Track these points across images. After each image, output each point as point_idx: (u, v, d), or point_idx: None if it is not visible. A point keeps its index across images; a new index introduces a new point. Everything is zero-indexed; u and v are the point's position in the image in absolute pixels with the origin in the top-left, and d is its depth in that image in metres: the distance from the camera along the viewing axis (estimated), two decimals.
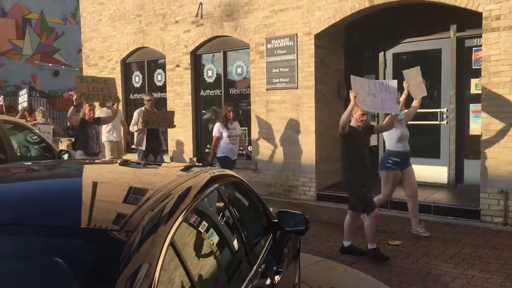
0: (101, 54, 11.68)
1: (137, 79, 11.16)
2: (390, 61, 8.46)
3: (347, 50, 8.88)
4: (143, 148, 8.42)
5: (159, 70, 10.68)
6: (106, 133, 9.27)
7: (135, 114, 8.52)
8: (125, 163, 3.48)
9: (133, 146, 8.62)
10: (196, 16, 9.56)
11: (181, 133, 9.91)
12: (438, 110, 7.93)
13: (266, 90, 8.66)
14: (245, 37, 8.90)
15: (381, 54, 8.53)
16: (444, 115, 7.86)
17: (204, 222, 2.38)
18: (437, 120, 7.93)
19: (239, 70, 9.35)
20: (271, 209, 3.59)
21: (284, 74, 8.39)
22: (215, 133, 7.68)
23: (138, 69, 11.18)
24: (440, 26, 7.75)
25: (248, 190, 3.29)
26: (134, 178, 2.77)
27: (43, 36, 22.64)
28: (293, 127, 8.35)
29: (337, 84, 8.69)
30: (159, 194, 2.09)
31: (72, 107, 7.89)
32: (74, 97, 7.61)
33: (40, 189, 2.41)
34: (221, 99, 9.52)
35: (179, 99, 10.03)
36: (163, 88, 10.52)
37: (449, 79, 7.78)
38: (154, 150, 8.60)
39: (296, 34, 8.20)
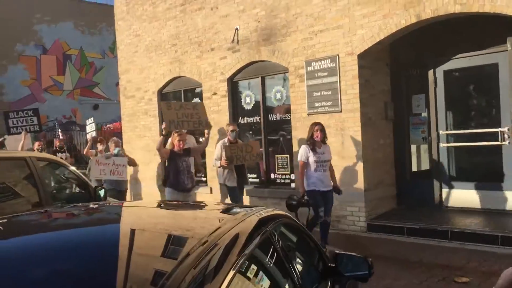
0: (138, 85, 11.58)
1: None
2: (441, 79, 7.89)
3: (393, 69, 8.37)
4: (234, 184, 7.56)
5: (196, 99, 10.43)
6: None
7: (218, 147, 7.62)
8: (164, 205, 3.10)
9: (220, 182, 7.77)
10: (232, 42, 9.30)
11: None
12: (497, 129, 7.26)
13: (308, 115, 8.21)
14: (284, 61, 8.54)
15: (430, 72, 7.97)
16: (506, 135, 7.17)
17: (254, 276, 1.95)
18: (498, 141, 7.25)
19: (278, 96, 8.97)
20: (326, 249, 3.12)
21: (327, 98, 7.94)
22: (300, 157, 6.66)
23: (175, 99, 10.97)
24: (496, 39, 7.16)
25: (301, 232, 2.83)
26: (174, 225, 2.39)
27: (82, 71, 23.10)
28: (338, 153, 7.83)
29: (384, 105, 8.15)
30: (203, 246, 1.76)
31: (161, 137, 7.14)
32: (163, 126, 7.04)
33: (65, 242, 2.05)
34: (261, 126, 9.14)
35: (218, 127, 9.70)
36: None
37: (508, 95, 7.14)
38: (242, 188, 7.89)
39: (338, 55, 7.77)
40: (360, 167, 7.64)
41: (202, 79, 9.98)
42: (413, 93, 8.37)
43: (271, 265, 2.27)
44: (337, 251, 2.91)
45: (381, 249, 6.76)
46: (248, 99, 9.43)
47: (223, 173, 7.58)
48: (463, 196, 7.68)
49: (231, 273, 1.65)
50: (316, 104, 8.08)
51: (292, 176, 8.68)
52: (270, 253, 2.30)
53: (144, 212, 2.78)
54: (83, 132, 18.95)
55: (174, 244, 1.99)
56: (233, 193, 7.62)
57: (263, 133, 9.12)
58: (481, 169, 7.83)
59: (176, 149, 6.94)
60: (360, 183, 7.69)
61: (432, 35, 7.63)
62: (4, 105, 20.07)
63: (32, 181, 4.56)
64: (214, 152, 7.72)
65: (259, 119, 9.19)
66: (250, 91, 9.40)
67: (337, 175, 7.82)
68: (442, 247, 6.55)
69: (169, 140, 7.36)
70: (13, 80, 20.69)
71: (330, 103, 7.90)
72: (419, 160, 8.71)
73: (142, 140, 11.34)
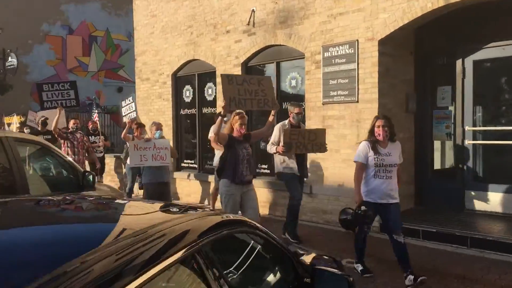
0: (153, 68, 11.22)
1: (187, 94, 10.55)
2: (470, 70, 7.21)
3: (418, 57, 7.72)
4: (295, 171, 6.62)
5: (210, 84, 10.00)
6: None
7: (276, 129, 6.69)
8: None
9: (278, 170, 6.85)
10: (248, 24, 8.80)
11: None
12: None
13: (323, 104, 7.67)
14: (300, 46, 8.00)
15: (458, 62, 7.30)
16: None
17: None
18: None
19: (293, 83, 8.44)
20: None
21: (343, 86, 7.38)
22: (357, 156, 5.18)
23: (189, 84, 10.57)
24: None
25: (272, 245, 2.36)
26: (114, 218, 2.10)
27: (108, 53, 22.98)
28: (352, 146, 7.27)
29: (405, 96, 7.54)
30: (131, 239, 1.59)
31: (219, 118, 5.61)
32: (222, 104, 5.65)
33: None
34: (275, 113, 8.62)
35: (230, 115, 9.24)
36: (213, 103, 9.81)
37: None
38: (302, 180, 6.90)
39: (357, 40, 7.18)
40: None
41: (216, 63, 9.53)
42: (438, 84, 7.72)
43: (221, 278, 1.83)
44: (316, 267, 2.43)
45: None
46: None
47: (282, 161, 6.70)
48: (488, 199, 7.05)
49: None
50: (331, 93, 7.53)
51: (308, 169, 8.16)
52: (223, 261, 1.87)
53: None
54: (106, 115, 18.87)
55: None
56: (291, 183, 6.74)
57: (276, 122, 8.59)
58: (509, 170, 7.14)
59: (236, 134, 5.75)
60: None
61: (462, 21, 6.96)
62: (28, 85, 20.15)
63: (6, 164, 4.21)
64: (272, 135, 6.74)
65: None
66: None
67: (351, 170, 7.27)
68: (460, 254, 5.96)
69: (226, 124, 6.13)
70: (38, 60, 20.71)
71: (346, 92, 7.34)
72: (442, 157, 8.08)
73: None
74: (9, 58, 19.10)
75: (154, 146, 6.90)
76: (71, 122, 9.19)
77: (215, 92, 9.69)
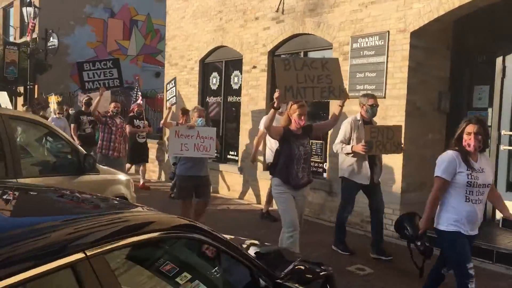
0: (182, 53, 11.03)
1: (214, 81, 10.29)
2: (511, 69, 6.59)
3: (455, 53, 7.13)
4: (366, 181, 5.71)
5: (236, 72, 9.70)
6: None
7: (347, 125, 5.78)
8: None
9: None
10: (277, 11, 8.43)
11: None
12: None
13: (348, 98, 7.21)
14: (328, 35, 7.56)
15: (499, 60, 6.68)
16: None
17: None
18: None
19: None
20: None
21: (370, 80, 6.92)
22: (441, 171, 3.73)
23: (216, 71, 10.31)
24: None
25: (226, 254, 2.03)
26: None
27: (148, 38, 23.08)
28: None
29: (438, 95, 6.99)
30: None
31: (272, 110, 4.64)
32: (276, 95, 4.53)
33: None
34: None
35: (253, 104, 8.95)
36: (238, 92, 9.51)
37: None
38: (376, 188, 5.92)
39: (388, 31, 6.69)
40: (399, 164, 6.60)
41: (244, 50, 9.22)
42: (475, 83, 7.11)
43: None
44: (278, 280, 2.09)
45: (408, 262, 5.74)
46: None
47: (349, 163, 5.76)
48: None
49: None
50: (358, 87, 7.08)
51: (325, 165, 7.77)
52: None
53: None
54: (143, 98, 18.91)
55: None
56: (351, 193, 5.91)
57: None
58: None
59: (294, 126, 4.87)
60: (397, 183, 6.67)
61: (505, 16, 6.35)
62: (68, 66, 20.50)
63: None
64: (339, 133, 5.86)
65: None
66: None
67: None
68: (483, 269, 5.44)
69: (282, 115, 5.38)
70: (79, 41, 21.02)
71: (373, 87, 6.87)
72: None
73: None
74: (51, 38, 19.45)
75: (198, 135, 6.03)
76: (112, 105, 8.07)
77: (241, 81, 9.39)
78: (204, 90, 10.53)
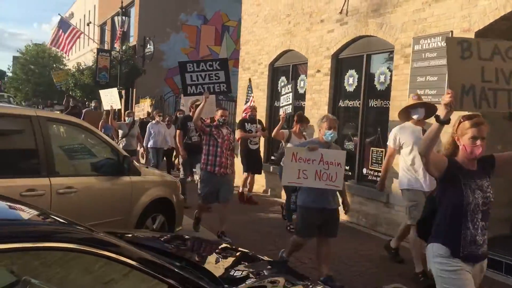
0: (254, 57, 11.10)
1: (282, 84, 10.20)
2: None
3: None
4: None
5: (302, 76, 9.53)
6: None
7: None
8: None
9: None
10: (341, 13, 8.14)
11: None
12: None
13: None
14: (390, 37, 7.13)
15: None
16: None
17: None
18: None
19: (381, 78, 7.58)
20: None
21: (431, 84, 6.40)
22: None
23: (284, 75, 10.21)
24: None
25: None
26: None
27: (238, 43, 23.53)
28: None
29: None
30: None
31: (435, 126, 2.83)
32: (446, 99, 2.77)
33: None
34: (359, 112, 7.88)
35: (316, 109, 8.71)
36: (303, 96, 9.33)
37: None
38: None
39: (452, 31, 6.14)
40: None
41: (309, 54, 9.03)
42: None
43: None
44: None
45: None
46: (351, 80, 8.20)
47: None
48: None
49: None
50: (418, 92, 6.56)
51: None
52: None
53: None
54: (231, 103, 19.37)
55: None
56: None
57: (360, 120, 7.86)
58: None
59: (464, 158, 3.05)
60: None
61: None
62: (163, 71, 21.63)
63: (31, 145, 4.31)
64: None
65: (359, 103, 7.92)
66: (354, 71, 8.14)
67: (436, 181, 6.30)
68: (493, 279, 4.75)
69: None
70: (174, 48, 22.06)
71: (434, 92, 6.35)
72: None
73: None
74: (148, 45, 20.65)
75: (321, 159, 4.62)
76: (219, 113, 6.66)
77: (306, 85, 9.20)
78: (273, 94, 10.49)
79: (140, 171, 5.55)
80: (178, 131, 8.51)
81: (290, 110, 7.62)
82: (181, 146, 8.35)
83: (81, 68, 21.47)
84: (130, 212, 5.27)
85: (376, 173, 7.57)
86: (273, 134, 7.50)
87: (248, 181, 9.13)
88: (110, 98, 10.82)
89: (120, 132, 9.97)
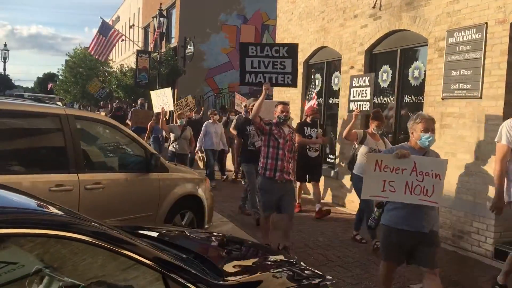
0: None
1: (317, 82, 10.11)
2: None
3: None
4: None
5: (337, 73, 9.41)
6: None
7: None
8: None
9: None
10: (374, 7, 7.98)
11: None
12: None
13: (442, 99, 6.54)
14: (424, 31, 6.93)
15: None
16: None
17: None
18: None
19: (416, 73, 7.37)
20: None
21: (466, 78, 6.17)
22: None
23: (318, 72, 10.12)
24: None
25: None
26: None
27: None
28: (471, 151, 6.07)
29: None
30: None
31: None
32: None
33: None
34: (394, 108, 7.71)
35: None
36: (338, 93, 9.21)
37: None
38: None
39: (486, 23, 5.89)
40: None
41: (342, 50, 8.91)
42: None
43: None
44: None
45: None
46: (385, 76, 8.02)
47: None
48: None
49: None
50: (452, 86, 6.37)
51: None
52: None
53: None
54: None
55: None
56: None
57: (394, 117, 7.68)
58: None
59: None
60: (493, 194, 5.82)
61: None
62: (204, 71, 21.91)
63: (60, 141, 4.47)
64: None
65: (393, 100, 7.75)
66: (388, 66, 7.96)
67: (467, 180, 6.11)
68: None
69: None
70: (214, 48, 22.32)
71: (469, 86, 6.12)
72: None
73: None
74: (188, 46, 20.97)
75: (414, 168, 3.74)
76: (279, 108, 5.52)
77: (340, 82, 9.08)
78: (307, 92, 10.40)
79: (168, 168, 5.66)
80: (237, 140, 7.60)
81: (368, 108, 6.44)
82: (237, 155, 7.49)
83: (124, 69, 22.06)
84: (158, 208, 5.38)
85: None
86: (344, 134, 6.32)
87: (314, 191, 8.08)
88: (162, 99, 9.98)
89: (172, 135, 9.59)
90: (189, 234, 3.64)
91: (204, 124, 10.56)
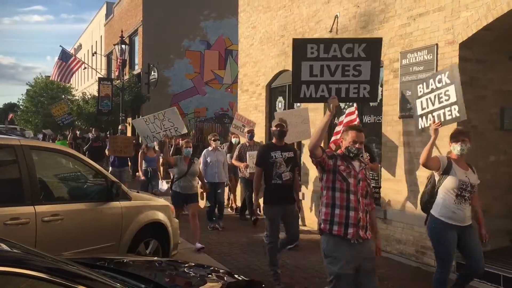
0: (252, 79, 11.19)
1: (279, 105, 10.26)
2: None
3: None
4: None
5: None
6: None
7: None
8: None
9: None
10: (331, 31, 8.21)
11: None
12: None
13: (399, 118, 6.74)
14: None
15: None
16: None
17: None
18: None
19: None
20: None
21: None
22: None
23: (281, 95, 10.27)
24: None
25: None
26: None
27: None
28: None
29: (500, 112, 6.22)
30: None
31: None
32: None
33: None
34: None
35: (313, 128, 8.70)
36: None
37: None
38: None
39: (437, 44, 6.15)
40: None
41: None
42: None
43: None
44: None
45: None
46: None
47: None
48: None
49: None
50: (408, 106, 6.57)
51: (381, 192, 7.25)
52: None
53: None
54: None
55: None
56: None
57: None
58: None
59: None
60: None
61: None
62: (169, 96, 21.85)
63: (15, 173, 4.36)
64: None
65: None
66: None
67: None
68: None
69: None
70: (179, 73, 22.33)
71: None
72: None
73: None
74: (152, 72, 20.92)
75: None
76: (350, 135, 3.85)
77: (301, 104, 9.22)
78: (271, 114, 10.53)
79: (130, 196, 5.58)
80: (257, 168, 5.69)
81: (457, 114, 4.72)
82: (257, 190, 5.69)
83: (86, 97, 21.78)
84: (120, 237, 5.27)
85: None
86: (422, 159, 4.65)
87: None
88: (161, 125, 7.42)
89: (173, 170, 7.70)
90: (149, 263, 3.59)
91: (203, 152, 9.00)
